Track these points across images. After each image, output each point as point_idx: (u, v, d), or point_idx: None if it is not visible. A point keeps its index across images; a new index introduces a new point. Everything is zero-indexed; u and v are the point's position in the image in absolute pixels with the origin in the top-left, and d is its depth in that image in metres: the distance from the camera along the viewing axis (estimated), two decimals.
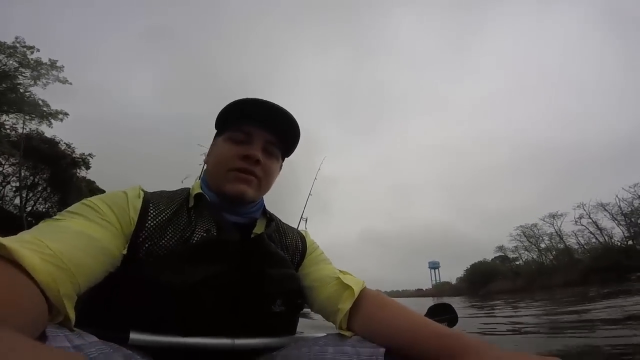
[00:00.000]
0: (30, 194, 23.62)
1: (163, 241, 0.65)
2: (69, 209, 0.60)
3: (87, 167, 25.02)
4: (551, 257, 46.96)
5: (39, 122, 20.93)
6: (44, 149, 21.26)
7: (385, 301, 0.69)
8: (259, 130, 0.79)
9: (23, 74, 20.24)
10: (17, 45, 19.64)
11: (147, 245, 0.63)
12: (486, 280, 56.50)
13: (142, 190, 0.73)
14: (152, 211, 0.68)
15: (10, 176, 22.25)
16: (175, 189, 0.82)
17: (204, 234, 0.69)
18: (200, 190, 0.77)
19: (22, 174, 22.00)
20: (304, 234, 0.96)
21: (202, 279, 0.62)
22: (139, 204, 0.67)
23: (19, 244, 0.41)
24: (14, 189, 22.69)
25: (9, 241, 0.39)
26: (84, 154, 24.73)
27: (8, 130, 19.68)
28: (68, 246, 0.48)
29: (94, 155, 25.21)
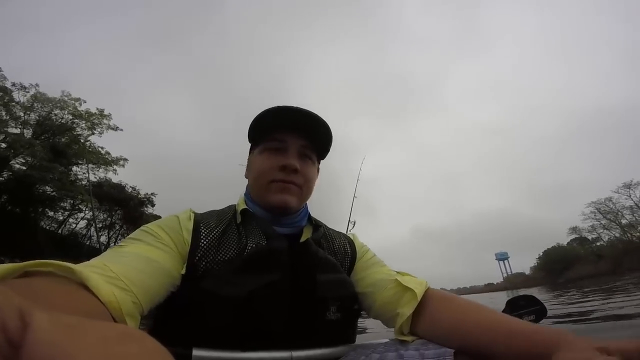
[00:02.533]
0: (111, 232, 27.20)
1: (218, 257, 0.68)
2: (130, 235, 0.66)
3: (152, 205, 28.03)
4: (638, 233, 41.31)
5: (105, 170, 23.85)
6: (114, 194, 24.37)
7: (453, 299, 0.65)
8: (292, 137, 0.80)
9: (79, 125, 22.90)
10: (65, 98, 22.04)
11: (203, 263, 0.66)
12: (564, 267, 51.43)
13: (193, 212, 0.77)
14: (203, 230, 0.71)
15: (93, 220, 25.82)
16: (222, 207, 0.85)
17: (254, 246, 0.71)
18: (244, 206, 0.80)
19: (102, 217, 25.52)
20: (352, 237, 0.94)
21: (256, 288, 0.63)
22: (190, 225, 0.71)
23: (87, 268, 0.45)
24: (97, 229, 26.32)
25: (78, 266, 0.44)
26: (147, 193, 27.88)
27: (83, 182, 22.84)
28: (129, 269, 0.53)
29: (156, 194, 28.36)
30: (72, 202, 22.68)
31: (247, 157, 0.91)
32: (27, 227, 19.90)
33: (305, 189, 0.82)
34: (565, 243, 55.81)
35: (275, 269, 0.68)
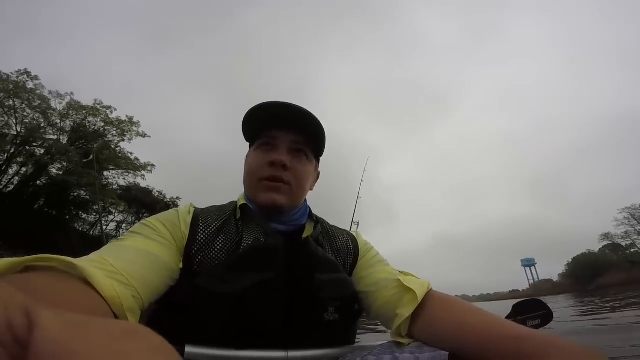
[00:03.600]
0: None
1: (213, 252, 0.67)
2: (130, 229, 0.66)
3: None
4: None
5: (134, 176, 25.06)
6: (142, 197, 25.64)
7: (452, 302, 0.63)
8: (282, 133, 0.78)
9: (110, 132, 24.13)
10: (97, 106, 23.31)
11: (199, 257, 0.66)
12: (594, 274, 49.09)
13: (193, 206, 0.77)
14: (201, 225, 0.71)
15: (122, 222, 27.16)
16: (224, 203, 0.84)
17: (250, 243, 0.70)
18: (244, 202, 0.79)
19: (130, 219, 26.85)
20: (355, 234, 0.91)
21: (250, 286, 0.62)
22: (189, 219, 0.71)
23: (87, 263, 0.45)
24: (124, 231, 27.68)
25: (79, 261, 0.43)
26: (172, 197, 29.16)
27: (114, 186, 24.17)
28: (129, 263, 0.52)
29: (181, 198, 29.58)
30: (103, 205, 23.98)
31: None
32: (62, 228, 21.22)
33: (296, 186, 0.79)
34: (596, 250, 53.36)
35: (270, 267, 0.66)
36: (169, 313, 0.64)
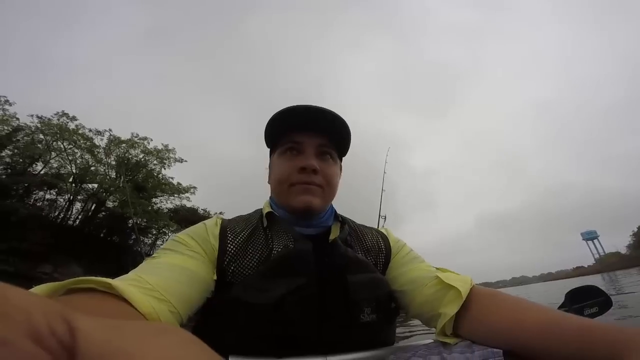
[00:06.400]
0: None
1: (245, 261, 0.68)
2: (162, 246, 0.69)
3: None
4: None
5: (180, 199, 27.29)
6: (189, 217, 27.59)
7: (501, 297, 0.60)
8: (308, 137, 0.78)
9: (151, 162, 26.19)
10: (135, 139, 25.35)
11: (232, 268, 0.67)
12: None
13: (220, 218, 0.79)
14: (229, 235, 0.72)
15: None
16: (250, 212, 0.85)
17: (281, 249, 0.70)
18: (269, 209, 0.79)
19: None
20: (385, 232, 0.90)
21: (285, 293, 0.61)
22: (217, 231, 0.72)
23: (124, 282, 0.48)
24: None
25: (115, 281, 0.46)
26: (216, 212, 31.04)
27: (165, 210, 26.23)
28: (164, 279, 0.54)
29: (224, 213, 31.45)
30: (157, 227, 26.15)
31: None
32: (128, 252, 23.47)
33: (327, 189, 0.80)
34: None
35: (301, 273, 0.66)
36: (209, 325, 0.66)
